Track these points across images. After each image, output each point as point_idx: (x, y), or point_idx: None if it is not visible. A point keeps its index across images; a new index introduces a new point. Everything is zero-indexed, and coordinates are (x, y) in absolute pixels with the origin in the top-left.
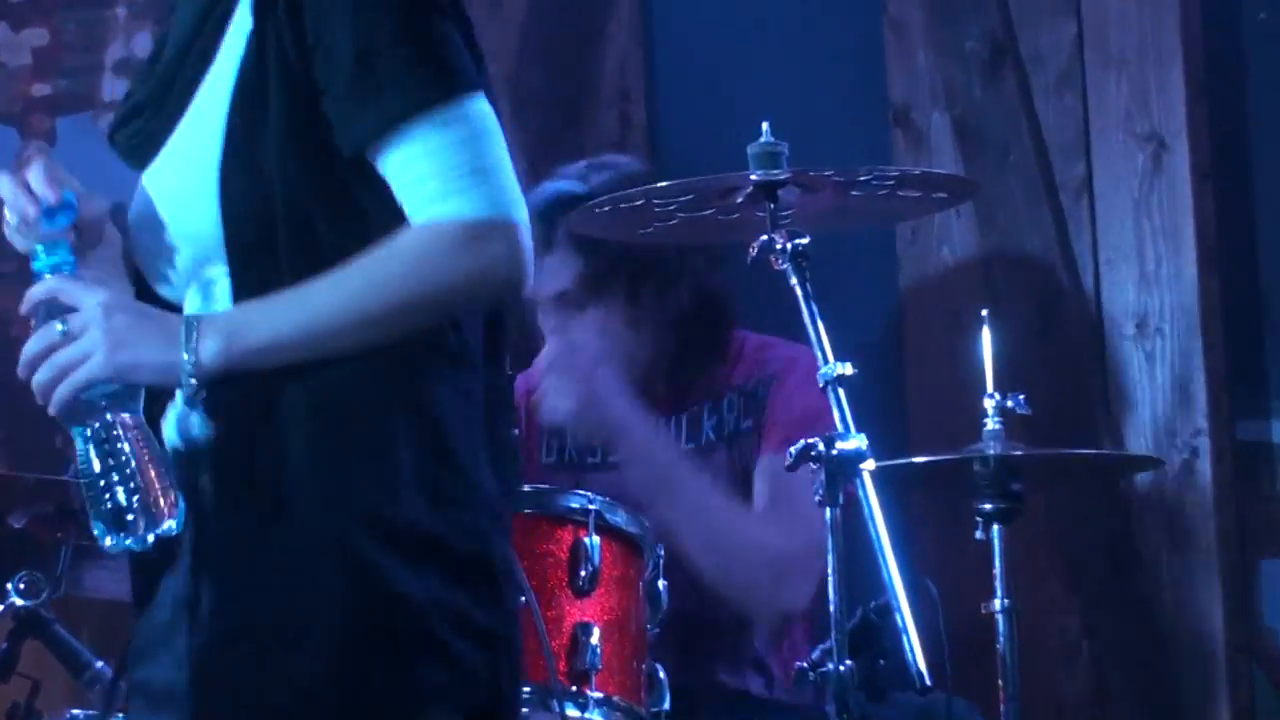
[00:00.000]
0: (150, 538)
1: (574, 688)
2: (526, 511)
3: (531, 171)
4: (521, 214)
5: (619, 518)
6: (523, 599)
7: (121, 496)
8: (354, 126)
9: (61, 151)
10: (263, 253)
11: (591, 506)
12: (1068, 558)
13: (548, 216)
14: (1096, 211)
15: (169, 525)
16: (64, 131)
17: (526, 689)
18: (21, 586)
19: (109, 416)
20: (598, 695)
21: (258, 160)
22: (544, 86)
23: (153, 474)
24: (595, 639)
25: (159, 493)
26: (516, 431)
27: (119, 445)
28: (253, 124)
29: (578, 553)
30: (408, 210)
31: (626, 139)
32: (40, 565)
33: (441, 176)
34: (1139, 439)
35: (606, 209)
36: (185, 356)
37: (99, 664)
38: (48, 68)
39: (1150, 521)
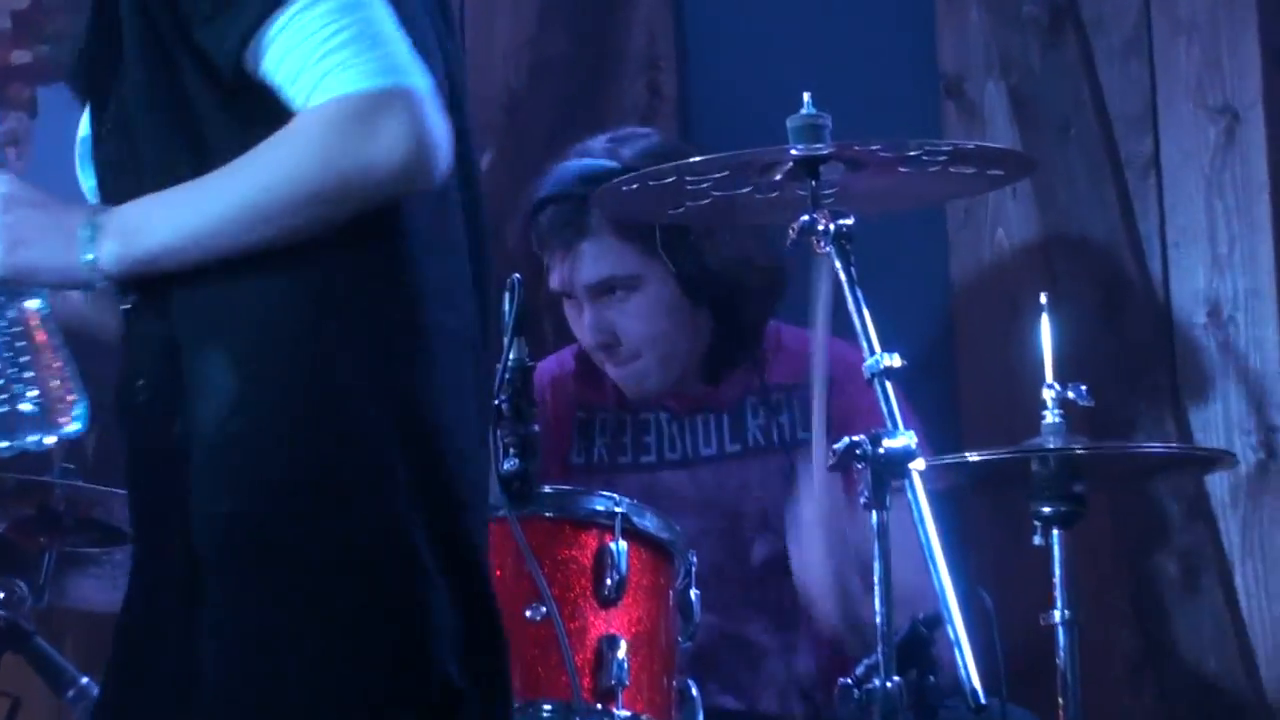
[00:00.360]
0: (48, 439)
1: (599, 705)
2: (548, 514)
3: (551, 143)
4: (418, 80)
5: (648, 521)
6: (544, 609)
7: (18, 397)
8: (227, 37)
9: (43, 122)
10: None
11: (618, 509)
12: (1133, 565)
13: (578, 197)
14: (1164, 189)
15: (70, 427)
16: (45, 100)
17: (548, 706)
18: (0, 596)
19: (11, 312)
20: (624, 714)
21: (122, 112)
22: (567, 52)
23: (55, 373)
24: (622, 653)
25: (60, 393)
26: (537, 427)
27: (18, 344)
28: (108, 76)
29: (603, 559)
30: (297, 106)
31: (655, 110)
32: (21, 573)
33: (318, 58)
34: (1210, 434)
35: (635, 187)
36: (87, 257)
37: (84, 679)
38: (28, 33)
39: (1223, 524)
